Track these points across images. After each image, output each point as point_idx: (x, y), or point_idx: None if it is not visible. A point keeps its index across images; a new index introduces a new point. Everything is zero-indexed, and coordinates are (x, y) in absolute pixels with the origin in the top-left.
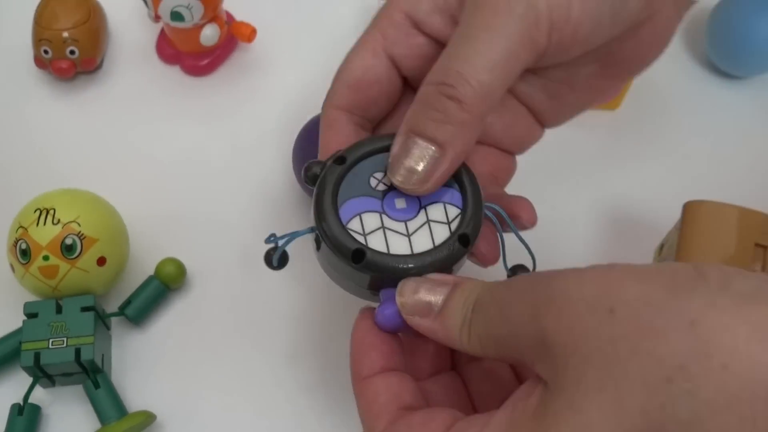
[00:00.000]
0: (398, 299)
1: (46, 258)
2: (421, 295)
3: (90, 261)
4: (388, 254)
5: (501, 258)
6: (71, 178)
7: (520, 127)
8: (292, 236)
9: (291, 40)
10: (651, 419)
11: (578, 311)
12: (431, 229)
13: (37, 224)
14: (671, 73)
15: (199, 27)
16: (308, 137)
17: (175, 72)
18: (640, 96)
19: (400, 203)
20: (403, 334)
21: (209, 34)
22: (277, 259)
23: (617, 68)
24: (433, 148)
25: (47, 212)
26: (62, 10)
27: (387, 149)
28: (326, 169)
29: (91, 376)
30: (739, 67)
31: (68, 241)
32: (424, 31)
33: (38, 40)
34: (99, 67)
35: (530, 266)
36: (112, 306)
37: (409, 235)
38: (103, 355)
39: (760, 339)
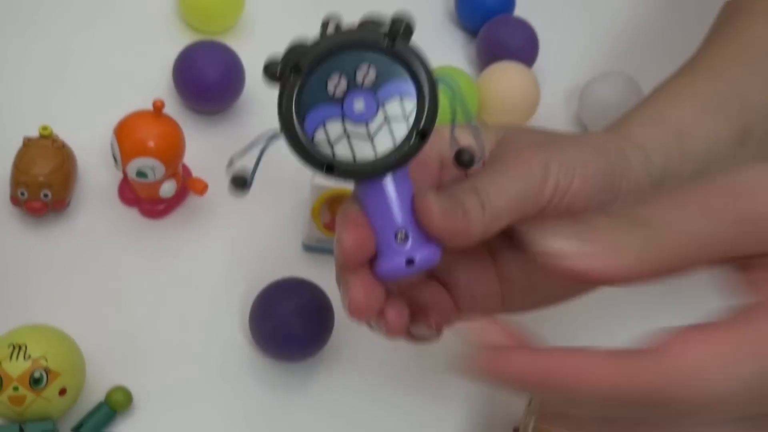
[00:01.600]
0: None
1: (15, 389)
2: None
3: (53, 392)
4: (355, 163)
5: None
6: (37, 307)
7: (480, 287)
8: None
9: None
10: None
11: None
12: (391, 127)
13: (10, 359)
14: None
15: (159, 182)
16: (265, 305)
17: (133, 213)
18: None
19: (359, 105)
20: None
21: (167, 189)
22: (251, 175)
23: None
24: (459, 209)
25: (19, 348)
26: (40, 157)
27: (339, 49)
28: (285, 82)
29: None
30: None
31: (36, 375)
32: None
33: (16, 182)
34: (67, 205)
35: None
36: (64, 427)
37: (371, 137)
38: None
39: None
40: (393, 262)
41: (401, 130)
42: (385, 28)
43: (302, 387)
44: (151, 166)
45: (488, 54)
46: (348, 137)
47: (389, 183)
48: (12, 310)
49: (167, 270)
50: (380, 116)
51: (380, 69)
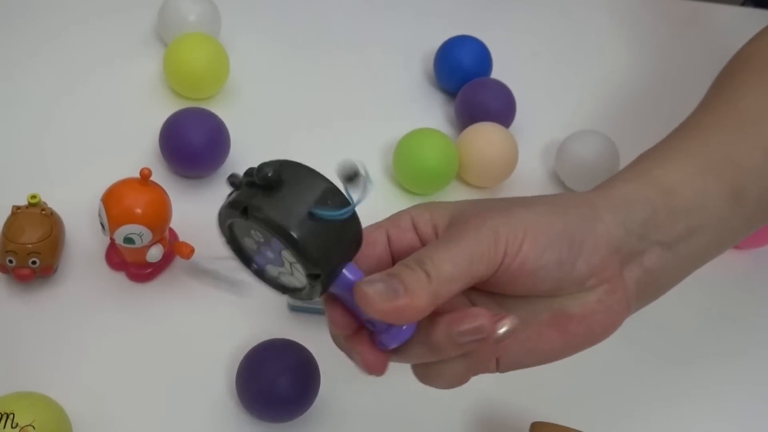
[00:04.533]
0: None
1: None
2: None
3: None
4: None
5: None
6: (24, 373)
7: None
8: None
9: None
10: None
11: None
12: (297, 268)
13: None
14: None
15: (146, 247)
16: (251, 366)
17: (120, 277)
18: None
19: (270, 255)
20: None
21: (154, 253)
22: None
23: (564, 325)
24: (400, 286)
25: (7, 416)
26: (28, 225)
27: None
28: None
29: None
30: None
31: None
32: (418, 232)
33: (5, 251)
34: (54, 271)
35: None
36: None
37: (292, 274)
38: None
39: None
40: (378, 343)
41: (302, 274)
42: (240, 206)
43: None
44: (139, 232)
45: (467, 115)
46: (282, 274)
47: (336, 291)
48: (1, 379)
49: (154, 333)
50: (286, 262)
51: (261, 230)
